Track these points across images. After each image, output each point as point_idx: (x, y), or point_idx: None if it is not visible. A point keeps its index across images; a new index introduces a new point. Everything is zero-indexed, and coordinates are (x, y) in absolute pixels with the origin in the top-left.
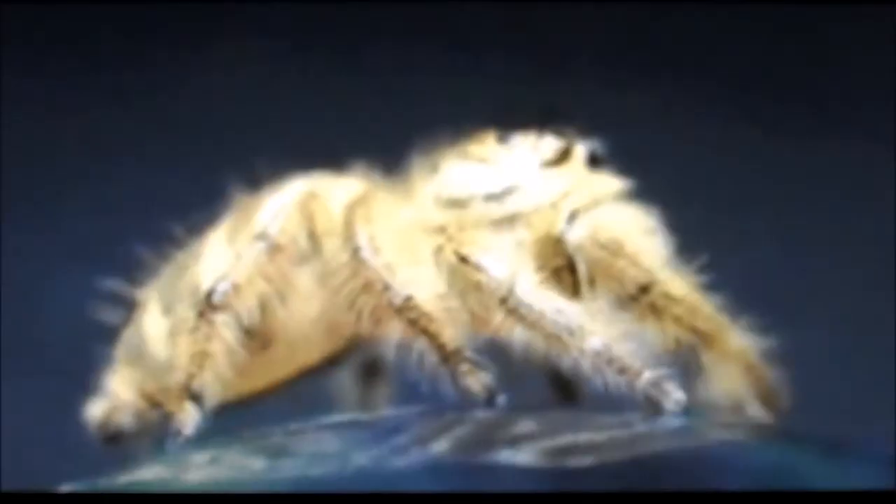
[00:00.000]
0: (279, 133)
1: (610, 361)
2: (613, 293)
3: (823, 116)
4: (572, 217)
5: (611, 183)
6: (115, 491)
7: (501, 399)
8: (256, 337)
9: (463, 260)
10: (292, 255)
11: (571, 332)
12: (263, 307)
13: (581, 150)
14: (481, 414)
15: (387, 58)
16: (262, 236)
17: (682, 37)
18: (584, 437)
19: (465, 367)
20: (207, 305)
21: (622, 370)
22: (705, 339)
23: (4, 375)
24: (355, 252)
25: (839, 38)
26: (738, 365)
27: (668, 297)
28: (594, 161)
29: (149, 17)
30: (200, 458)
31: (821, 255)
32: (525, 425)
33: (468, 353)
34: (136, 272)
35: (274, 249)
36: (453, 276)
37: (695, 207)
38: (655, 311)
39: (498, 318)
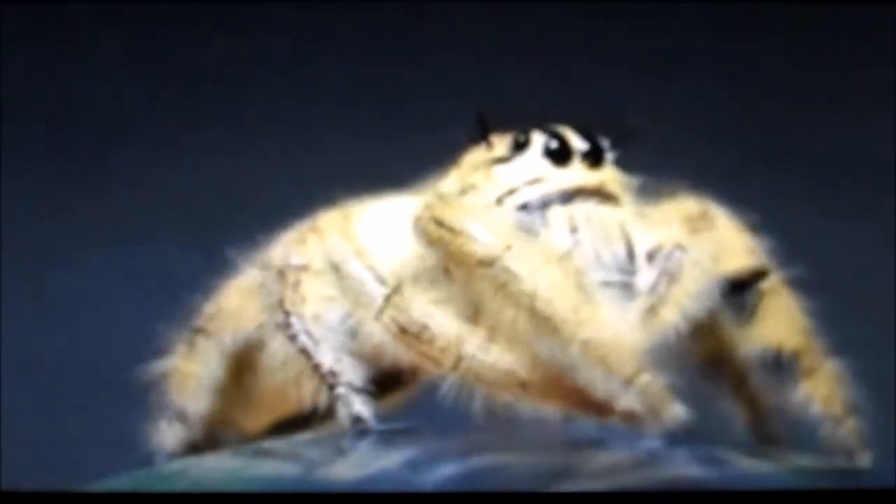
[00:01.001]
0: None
1: None
2: (465, 277)
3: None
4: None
5: (560, 175)
6: (111, 491)
7: (373, 426)
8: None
9: (403, 331)
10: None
11: (524, 385)
12: (260, 335)
13: (538, 143)
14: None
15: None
16: (265, 265)
17: (681, 36)
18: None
19: (340, 391)
20: (191, 327)
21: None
22: (547, 326)
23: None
24: (292, 339)
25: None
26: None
27: (511, 273)
28: (561, 155)
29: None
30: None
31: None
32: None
33: (346, 379)
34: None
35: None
36: (400, 341)
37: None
38: (498, 287)
39: (454, 378)
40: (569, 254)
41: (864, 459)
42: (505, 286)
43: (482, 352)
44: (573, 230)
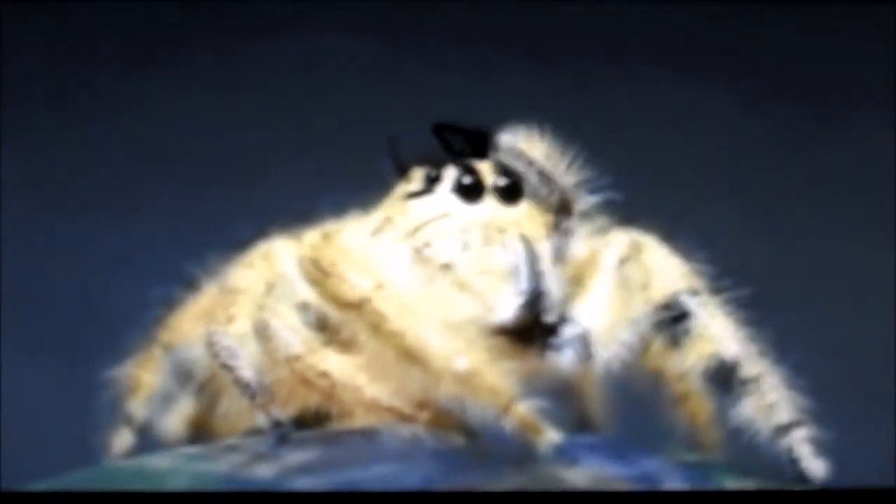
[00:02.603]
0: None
1: None
2: (340, 315)
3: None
4: (312, 244)
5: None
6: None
7: (289, 433)
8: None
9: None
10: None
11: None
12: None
13: (450, 178)
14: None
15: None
16: (220, 280)
17: (679, 35)
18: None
19: (259, 400)
20: (150, 336)
21: None
22: (417, 362)
23: None
24: (215, 357)
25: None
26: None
27: (380, 314)
28: (473, 190)
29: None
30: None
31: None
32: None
33: (266, 389)
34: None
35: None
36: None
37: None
38: (369, 327)
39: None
40: (456, 289)
41: (816, 469)
42: (376, 326)
43: (363, 385)
44: (468, 266)
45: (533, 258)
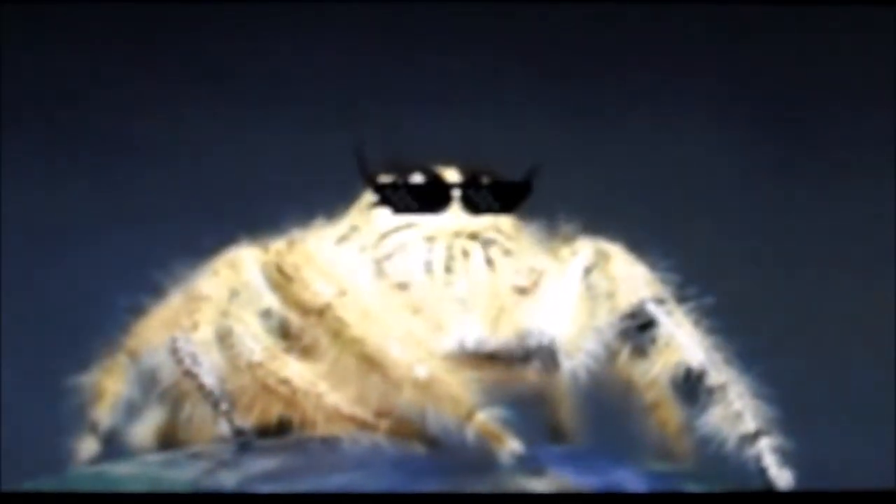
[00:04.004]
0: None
1: None
2: (302, 321)
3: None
4: (277, 250)
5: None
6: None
7: (251, 441)
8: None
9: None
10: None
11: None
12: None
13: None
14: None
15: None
16: (186, 287)
17: (652, 45)
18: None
19: (223, 407)
20: (116, 344)
21: None
22: (377, 369)
23: None
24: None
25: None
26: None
27: (341, 321)
28: (438, 199)
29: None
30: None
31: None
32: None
33: (226, 396)
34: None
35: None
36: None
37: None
38: (331, 334)
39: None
40: (419, 297)
41: (782, 478)
42: (337, 333)
43: (323, 393)
44: (429, 273)
45: (495, 285)
